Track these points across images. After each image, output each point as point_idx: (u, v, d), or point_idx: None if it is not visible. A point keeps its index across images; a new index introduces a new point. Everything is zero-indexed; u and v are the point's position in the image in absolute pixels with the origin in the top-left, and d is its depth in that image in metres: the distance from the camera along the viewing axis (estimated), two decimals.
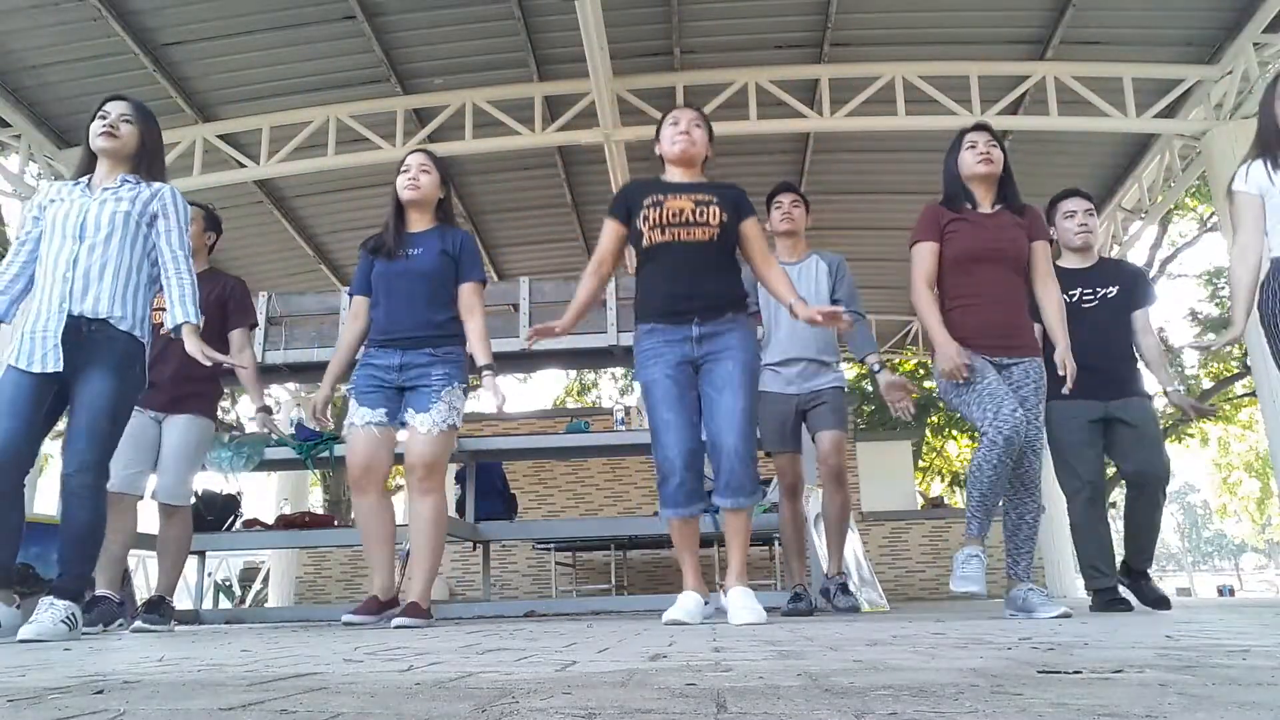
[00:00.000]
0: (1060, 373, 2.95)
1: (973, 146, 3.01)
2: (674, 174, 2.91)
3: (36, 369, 2.59)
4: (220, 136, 7.14)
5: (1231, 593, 17.11)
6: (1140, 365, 3.65)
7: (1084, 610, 3.44)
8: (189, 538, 3.50)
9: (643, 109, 6.83)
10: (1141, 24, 6.38)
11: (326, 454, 4.43)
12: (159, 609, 3.24)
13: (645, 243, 2.78)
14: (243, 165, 7.19)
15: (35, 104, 6.78)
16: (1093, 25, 6.37)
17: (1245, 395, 14.58)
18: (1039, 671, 1.03)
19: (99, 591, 3.15)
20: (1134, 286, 3.65)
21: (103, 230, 2.71)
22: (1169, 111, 6.83)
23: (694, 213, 2.75)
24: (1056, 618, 2.57)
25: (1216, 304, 13.75)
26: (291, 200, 8.60)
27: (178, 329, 2.75)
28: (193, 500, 3.58)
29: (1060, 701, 0.78)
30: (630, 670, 1.12)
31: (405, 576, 3.30)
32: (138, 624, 3.10)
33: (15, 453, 2.53)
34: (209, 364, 2.75)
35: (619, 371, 17.53)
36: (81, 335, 2.63)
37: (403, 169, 3.27)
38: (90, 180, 2.81)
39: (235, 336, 3.58)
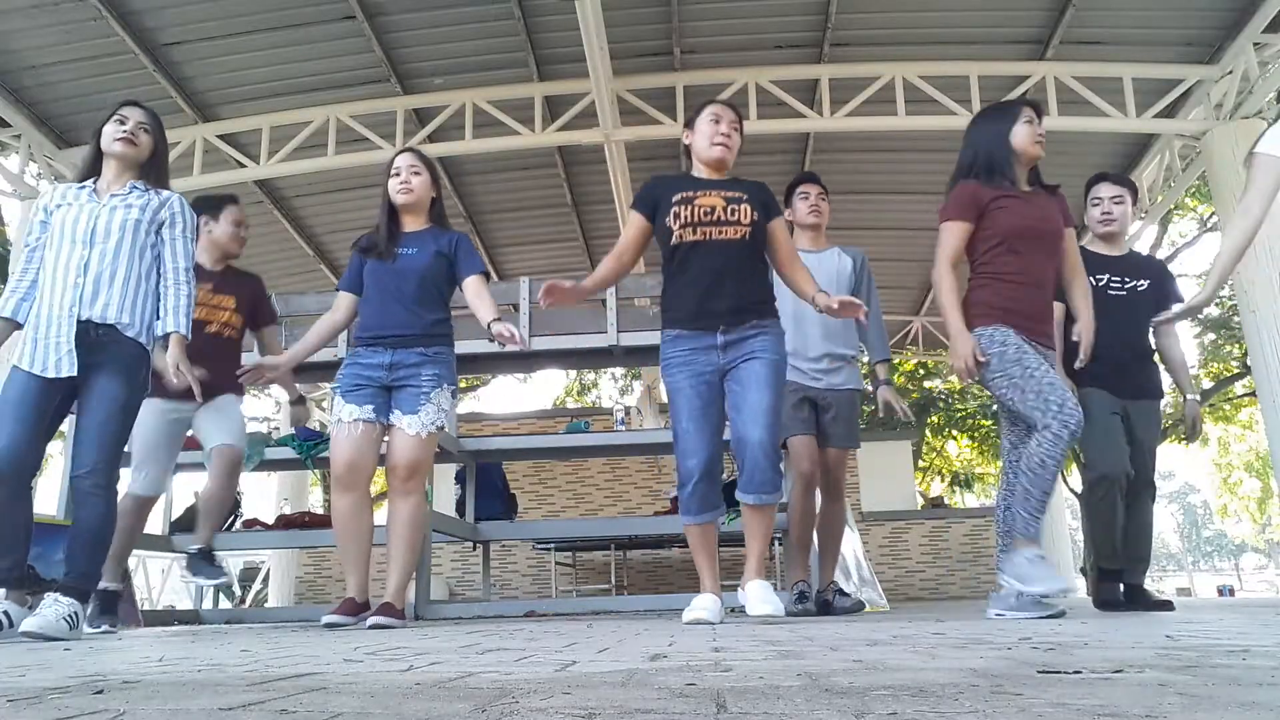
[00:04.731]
0: (1075, 340, 2.89)
1: (1030, 122, 2.84)
2: (701, 173, 2.87)
3: (51, 374, 2.59)
4: (220, 136, 7.14)
5: (1231, 593, 17.11)
6: (1158, 362, 3.58)
7: (1082, 611, 3.43)
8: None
9: (643, 109, 6.84)
10: (1141, 24, 6.38)
11: (326, 454, 4.42)
12: (211, 559, 3.38)
13: (675, 240, 2.70)
14: (243, 165, 7.19)
15: (35, 104, 6.78)
16: (1093, 25, 6.37)
17: (1245, 395, 14.58)
18: (1039, 671, 1.03)
19: (106, 585, 3.17)
20: (1163, 283, 3.54)
21: (113, 236, 2.71)
22: (1169, 111, 6.83)
23: (725, 210, 2.69)
24: (1049, 616, 2.57)
25: (1217, 304, 13.73)
26: (291, 200, 8.60)
27: (165, 336, 2.77)
28: (193, 499, 3.62)
29: (1060, 701, 0.78)
30: (630, 670, 1.12)
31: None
32: (192, 576, 3.29)
33: (21, 458, 2.55)
34: (177, 381, 2.72)
35: (619, 371, 17.53)
36: (90, 340, 2.64)
37: (392, 172, 3.21)
38: (96, 184, 2.79)
39: (268, 334, 3.75)
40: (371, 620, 2.88)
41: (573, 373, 18.29)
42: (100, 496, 2.58)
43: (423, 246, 3.16)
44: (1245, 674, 0.98)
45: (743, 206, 2.71)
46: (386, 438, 3.13)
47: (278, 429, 9.92)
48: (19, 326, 2.71)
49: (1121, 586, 3.49)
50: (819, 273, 3.59)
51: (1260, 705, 0.75)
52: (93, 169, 2.82)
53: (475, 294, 3.11)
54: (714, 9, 6.39)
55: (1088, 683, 0.92)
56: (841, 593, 3.69)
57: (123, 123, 2.78)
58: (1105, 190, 3.55)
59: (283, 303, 4.73)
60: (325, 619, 2.93)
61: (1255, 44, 6.17)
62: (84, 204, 2.73)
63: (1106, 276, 3.47)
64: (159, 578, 10.66)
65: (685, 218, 2.68)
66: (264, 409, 16.86)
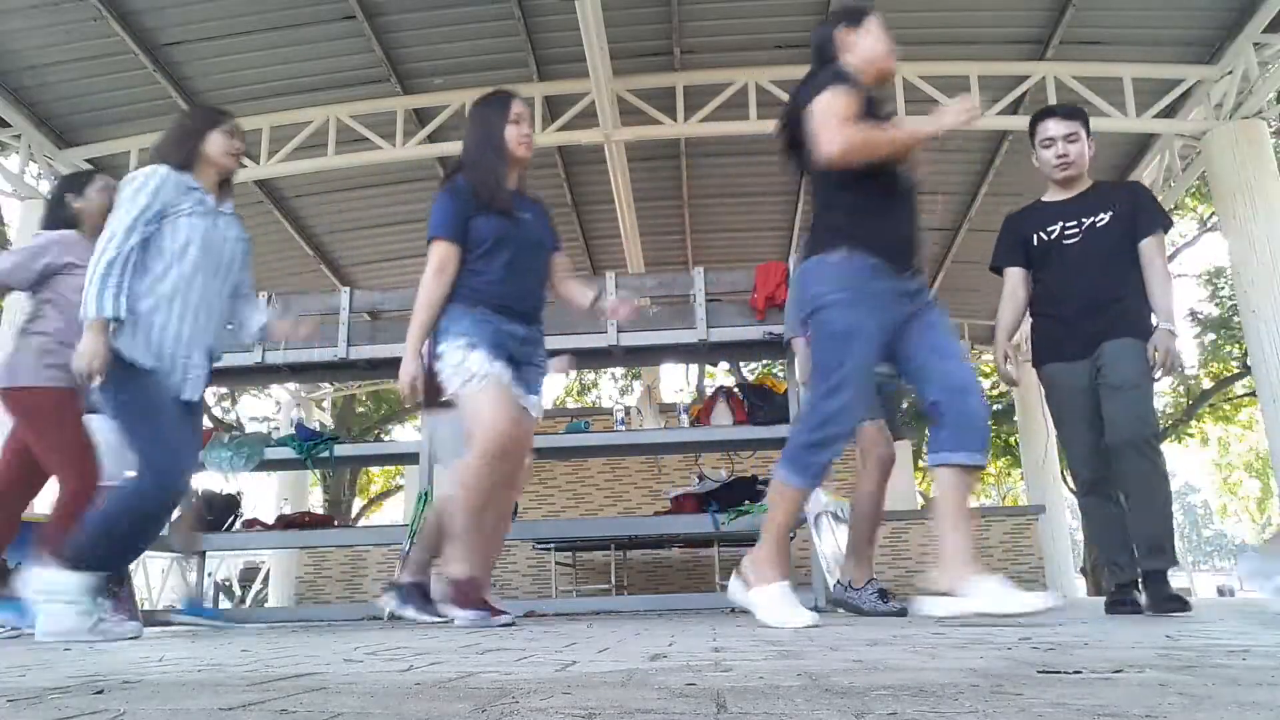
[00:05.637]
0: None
1: None
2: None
3: (186, 396, 2.55)
4: None
5: (1231, 593, 17.11)
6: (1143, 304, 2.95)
7: (1082, 611, 3.43)
8: None
9: (643, 109, 6.84)
10: (1141, 24, 6.39)
11: (326, 454, 4.43)
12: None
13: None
14: (243, 165, 7.18)
15: (35, 104, 6.79)
16: (1093, 25, 6.37)
17: (1245, 395, 14.59)
18: (1039, 671, 1.03)
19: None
20: (1134, 210, 2.92)
21: (235, 268, 2.69)
22: (1169, 111, 6.83)
23: None
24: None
25: (1216, 304, 13.75)
26: (291, 200, 8.60)
27: (263, 330, 2.86)
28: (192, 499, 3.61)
29: (1060, 701, 0.78)
30: (630, 670, 1.12)
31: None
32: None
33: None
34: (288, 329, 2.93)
35: (619, 371, 17.54)
36: None
37: (512, 119, 2.72)
38: (198, 185, 2.61)
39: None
40: (505, 619, 2.56)
41: (573, 373, 18.30)
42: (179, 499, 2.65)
43: (535, 215, 2.81)
44: (1245, 674, 0.98)
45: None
46: None
47: (277, 429, 9.94)
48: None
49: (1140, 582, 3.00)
50: None
51: (1260, 705, 0.75)
52: (187, 165, 2.60)
53: (566, 275, 2.96)
54: (714, 9, 6.40)
55: (1088, 683, 0.92)
56: (885, 592, 3.42)
57: (232, 136, 2.71)
58: (1056, 127, 3.00)
59: (283, 303, 4.73)
60: (459, 620, 2.54)
61: (1255, 44, 6.18)
62: (205, 216, 2.58)
63: (1059, 225, 3.00)
64: (159, 578, 10.66)
65: None
66: (264, 409, 16.87)
